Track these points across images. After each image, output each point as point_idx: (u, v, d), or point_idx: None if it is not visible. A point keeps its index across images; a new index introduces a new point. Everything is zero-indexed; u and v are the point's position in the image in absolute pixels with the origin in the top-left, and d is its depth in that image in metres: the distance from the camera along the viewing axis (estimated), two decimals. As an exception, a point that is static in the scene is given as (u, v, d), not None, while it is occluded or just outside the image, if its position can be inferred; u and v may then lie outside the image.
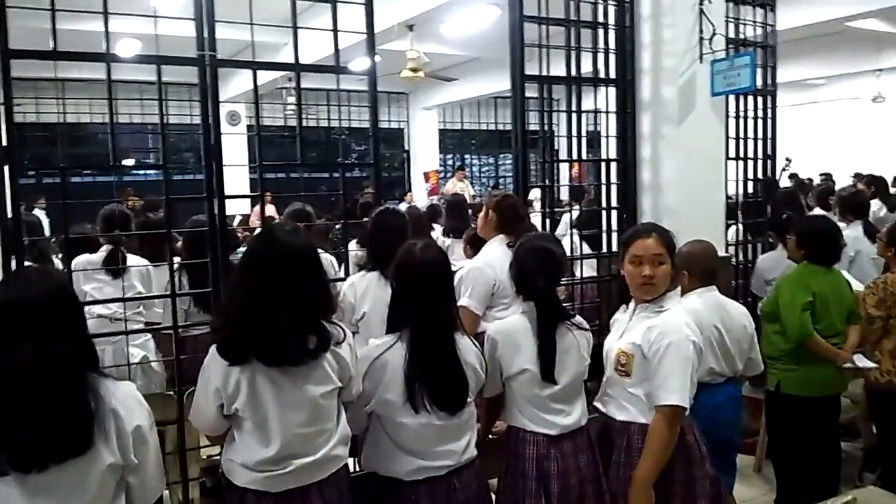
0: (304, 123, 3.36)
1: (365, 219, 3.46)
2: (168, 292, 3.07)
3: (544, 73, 3.92)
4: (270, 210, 8.64)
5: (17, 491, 1.66)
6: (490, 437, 2.65)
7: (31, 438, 1.64)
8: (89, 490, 1.74)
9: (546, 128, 4.01)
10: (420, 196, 14.66)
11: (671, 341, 2.41)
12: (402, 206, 10.91)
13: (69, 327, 1.75)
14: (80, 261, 3.73)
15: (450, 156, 18.24)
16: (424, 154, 16.24)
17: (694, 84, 4.11)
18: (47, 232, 7.20)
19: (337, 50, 3.30)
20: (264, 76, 8.22)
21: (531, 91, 3.89)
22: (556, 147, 5.55)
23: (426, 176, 15.74)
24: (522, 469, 2.45)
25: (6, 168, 2.58)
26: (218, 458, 2.88)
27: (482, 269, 3.39)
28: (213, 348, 2.04)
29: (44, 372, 1.66)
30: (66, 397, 1.68)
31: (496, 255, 3.41)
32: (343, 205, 3.61)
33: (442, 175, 16.33)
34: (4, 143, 2.59)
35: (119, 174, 8.19)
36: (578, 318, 2.58)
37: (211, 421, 2.07)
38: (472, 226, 4.74)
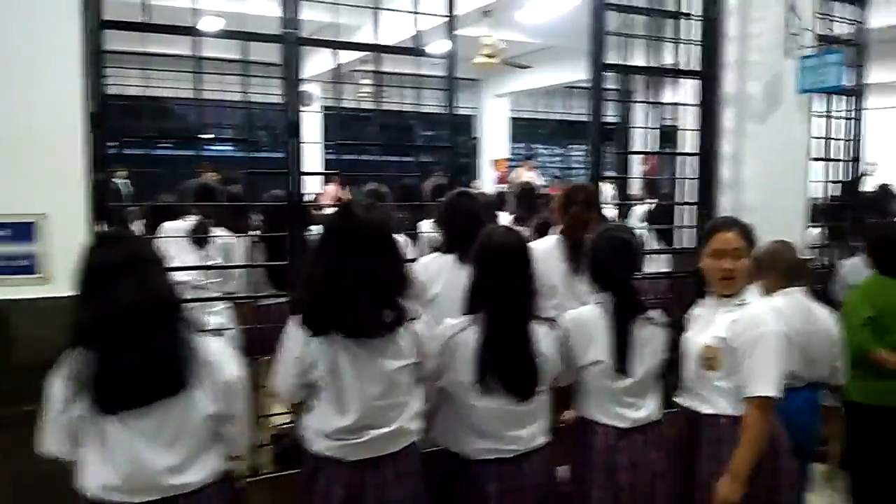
0: (378, 106, 3.41)
1: (437, 201, 3.49)
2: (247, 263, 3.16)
3: (625, 63, 3.87)
4: (336, 190, 8.76)
5: (124, 432, 1.79)
6: (559, 425, 2.66)
7: (133, 373, 1.76)
8: (187, 437, 1.85)
9: (623, 119, 3.97)
10: (487, 184, 14.63)
11: (761, 332, 2.39)
12: (469, 193, 10.90)
13: (159, 276, 1.89)
14: (168, 227, 3.87)
15: (519, 144, 18.14)
16: (494, 142, 16.17)
17: (780, 80, 3.99)
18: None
19: (418, 32, 3.32)
20: (339, 57, 8.37)
21: (608, 81, 3.84)
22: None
23: (495, 164, 15.68)
24: (590, 460, 2.46)
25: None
26: (287, 425, 2.99)
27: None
28: (293, 319, 2.11)
29: (141, 310, 1.78)
30: (160, 337, 1.80)
31: (544, 244, 3.37)
32: (419, 187, 3.65)
33: (511, 163, 16.25)
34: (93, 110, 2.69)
35: (198, 148, 8.48)
36: (656, 312, 2.55)
37: (290, 388, 2.15)
38: (540, 214, 4.72)
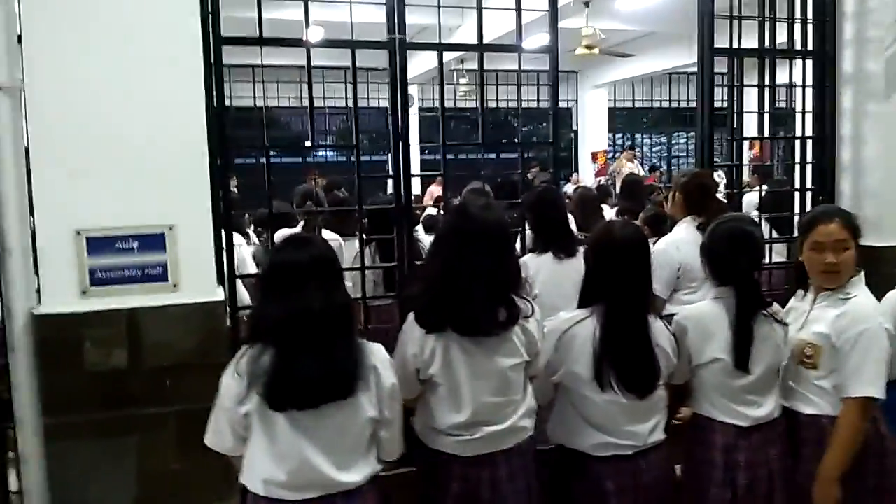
0: (475, 105, 3.42)
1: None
2: (357, 266, 3.24)
3: (734, 45, 3.73)
4: (439, 191, 8.86)
5: (291, 430, 1.86)
6: (673, 422, 2.60)
7: (313, 375, 1.83)
8: (349, 438, 1.93)
9: (733, 104, 3.82)
10: (587, 177, 14.44)
11: (864, 329, 2.29)
12: (569, 188, 10.81)
13: (339, 284, 1.98)
14: (281, 234, 4.02)
15: (619, 135, 17.79)
16: (592, 134, 15.94)
17: (902, 56, 3.75)
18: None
19: (520, 29, 3.31)
20: (431, 59, 8.43)
21: (717, 66, 3.71)
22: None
23: (594, 156, 15.45)
24: (709, 458, 2.39)
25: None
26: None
27: (665, 250, 3.31)
28: (410, 316, 2.17)
29: (325, 317, 1.86)
30: (337, 343, 1.87)
31: (682, 236, 3.31)
32: (520, 185, 3.65)
33: (610, 155, 15.97)
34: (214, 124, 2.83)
35: (306, 155, 8.79)
36: (777, 308, 2.46)
37: (407, 384, 2.18)
38: (648, 206, 4.63)
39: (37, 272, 2.47)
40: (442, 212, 6.29)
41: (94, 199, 2.44)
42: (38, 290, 2.47)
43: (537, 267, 3.14)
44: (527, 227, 3.31)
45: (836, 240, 2.36)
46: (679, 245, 3.28)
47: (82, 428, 2.45)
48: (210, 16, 2.70)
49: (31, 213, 2.44)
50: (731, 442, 2.38)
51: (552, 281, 3.00)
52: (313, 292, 1.85)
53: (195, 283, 2.54)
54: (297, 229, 4.27)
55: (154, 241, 2.48)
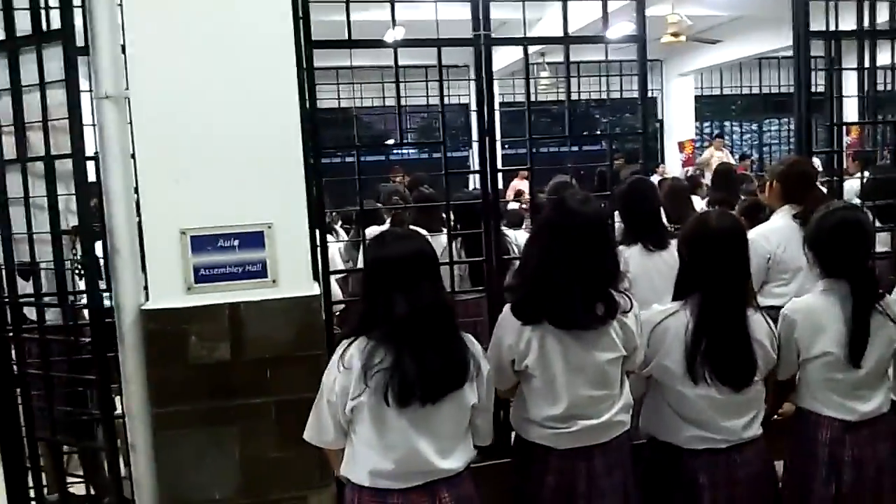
0: (553, 98, 3.40)
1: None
2: (444, 260, 3.28)
3: (832, 28, 3.57)
4: (524, 185, 8.83)
5: (402, 421, 1.90)
6: (776, 417, 2.53)
7: (436, 369, 1.87)
8: (453, 426, 1.97)
9: (830, 88, 3.67)
10: (673, 167, 14.10)
11: None
12: (654, 178, 10.56)
13: (440, 280, 2.02)
14: (371, 230, 4.10)
15: (706, 123, 17.28)
16: (679, 123, 15.54)
17: None
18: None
19: (606, 18, 3.27)
20: (512, 54, 8.40)
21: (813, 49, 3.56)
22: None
23: (680, 146, 15.07)
24: (814, 453, 2.33)
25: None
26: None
27: (755, 240, 3.19)
28: (507, 307, 2.19)
29: (436, 313, 1.90)
30: (451, 337, 1.93)
31: (776, 226, 3.21)
32: (609, 176, 3.60)
33: (698, 144, 15.53)
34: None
35: (387, 153, 8.92)
36: (889, 299, 2.36)
37: (503, 375, 2.21)
38: (744, 197, 4.49)
39: (144, 270, 2.59)
40: (524, 206, 6.28)
41: (197, 200, 2.55)
42: (146, 287, 2.60)
43: (626, 259, 3.10)
44: (616, 218, 3.27)
45: None
46: (769, 235, 3.18)
47: (188, 417, 2.55)
48: (301, 20, 2.78)
49: (138, 214, 2.57)
50: (837, 437, 2.30)
51: (642, 274, 2.95)
52: (425, 287, 1.89)
53: (292, 279, 2.62)
54: (386, 226, 4.35)
55: (254, 239, 2.57)
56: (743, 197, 4.81)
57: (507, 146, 12.26)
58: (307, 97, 2.84)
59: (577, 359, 2.11)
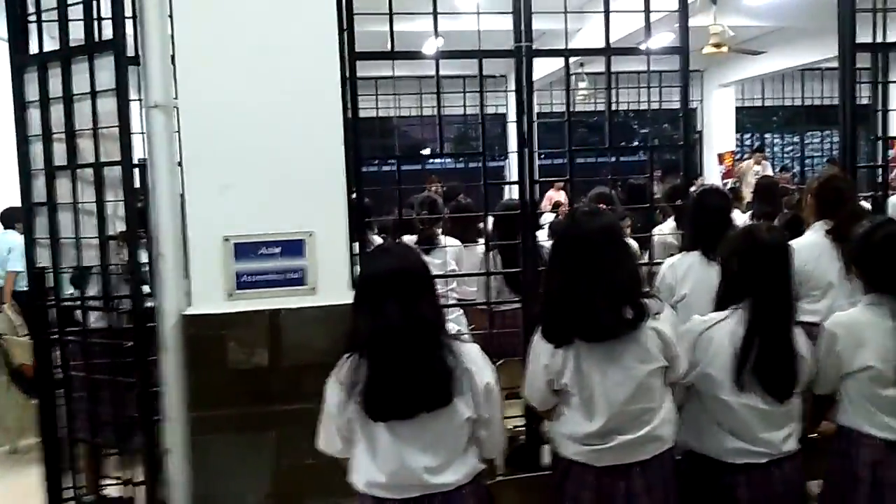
0: (591, 108, 3.39)
1: (678, 202, 3.39)
2: (482, 271, 3.28)
3: (878, 40, 3.51)
4: (561, 196, 8.79)
5: (389, 436, 1.92)
6: (814, 435, 2.49)
7: (403, 388, 1.88)
8: (448, 440, 1.96)
9: (875, 101, 3.60)
10: (713, 180, 13.92)
11: None
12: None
13: (426, 293, 1.98)
14: (406, 240, 4.12)
15: (748, 135, 17.04)
16: (719, 134, 15.33)
17: None
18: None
19: (648, 29, 3.25)
20: (550, 65, 8.38)
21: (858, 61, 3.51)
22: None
23: (720, 157, 14.87)
24: (854, 473, 2.28)
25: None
26: (519, 428, 3.07)
27: None
28: (537, 332, 2.17)
29: (409, 331, 1.89)
30: (428, 354, 1.90)
31: (807, 242, 3.16)
32: (648, 189, 3.58)
33: (738, 156, 15.31)
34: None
35: (424, 162, 8.95)
36: None
37: (541, 394, 2.21)
38: (785, 210, 4.43)
39: (187, 276, 2.65)
40: (561, 217, 6.25)
41: (240, 208, 2.60)
42: (188, 293, 2.65)
43: (687, 267, 3.07)
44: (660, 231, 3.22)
45: None
46: (799, 249, 3.12)
47: (225, 422, 2.60)
48: (345, 32, 2.81)
49: (183, 220, 2.62)
50: (879, 458, 2.25)
51: (702, 281, 2.90)
52: (393, 306, 1.88)
53: (331, 287, 2.65)
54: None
55: (294, 247, 2.62)
56: (785, 210, 4.74)
57: (542, 156, 12.24)
58: (350, 107, 2.86)
59: (614, 373, 2.09)
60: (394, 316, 1.89)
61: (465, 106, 12.85)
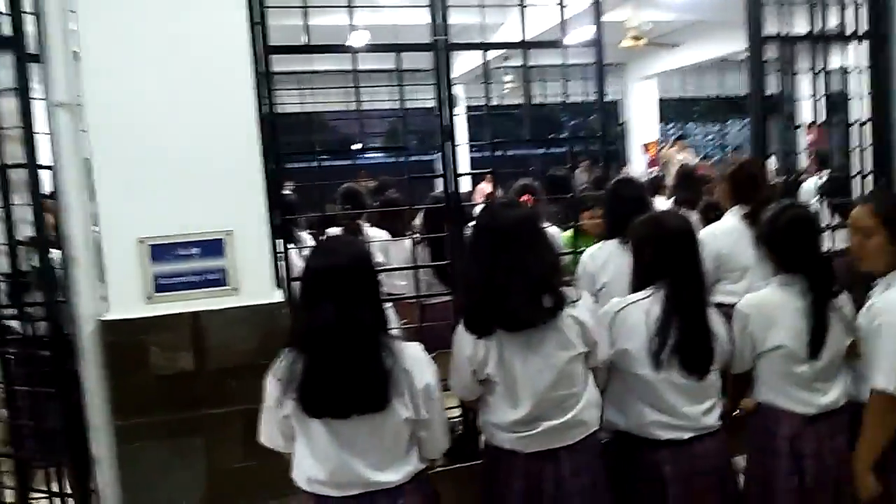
0: (524, 100, 3.43)
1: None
2: (409, 264, 3.28)
3: (784, 32, 3.64)
4: (490, 188, 8.86)
5: (327, 434, 1.90)
6: (736, 413, 2.57)
7: (334, 392, 1.86)
8: (386, 441, 1.94)
9: (785, 91, 3.74)
10: (638, 169, 14.25)
11: (882, 322, 2.26)
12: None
13: (367, 293, 1.94)
14: (330, 233, 4.07)
15: (670, 125, 17.52)
16: (642, 125, 15.71)
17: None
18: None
19: (563, 24, 3.30)
20: (474, 58, 8.41)
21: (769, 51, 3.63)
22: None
23: (645, 147, 15.24)
24: (774, 447, 2.37)
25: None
26: (455, 419, 3.09)
27: (702, 240, 3.26)
28: (460, 325, 2.18)
29: (345, 331, 1.86)
30: (364, 356, 1.87)
31: (724, 226, 3.28)
32: (569, 178, 3.64)
33: (662, 146, 15.72)
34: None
35: (355, 157, 8.88)
36: (840, 299, 2.43)
37: (467, 385, 2.21)
38: (704, 197, 4.57)
39: (103, 280, 2.56)
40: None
41: (154, 209, 2.52)
42: (105, 298, 2.56)
43: (605, 256, 3.14)
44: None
45: (860, 226, 2.35)
46: (717, 234, 3.25)
47: (152, 429, 2.53)
48: (258, 26, 2.75)
49: (95, 223, 2.53)
50: (797, 431, 2.35)
51: (620, 269, 2.95)
52: (329, 305, 1.86)
53: (254, 286, 2.60)
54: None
55: (213, 247, 2.55)
56: (705, 197, 4.89)
57: (474, 149, 12.28)
58: (268, 102, 2.81)
59: (535, 361, 2.12)
60: (330, 315, 1.86)
61: (397, 100, 12.76)
